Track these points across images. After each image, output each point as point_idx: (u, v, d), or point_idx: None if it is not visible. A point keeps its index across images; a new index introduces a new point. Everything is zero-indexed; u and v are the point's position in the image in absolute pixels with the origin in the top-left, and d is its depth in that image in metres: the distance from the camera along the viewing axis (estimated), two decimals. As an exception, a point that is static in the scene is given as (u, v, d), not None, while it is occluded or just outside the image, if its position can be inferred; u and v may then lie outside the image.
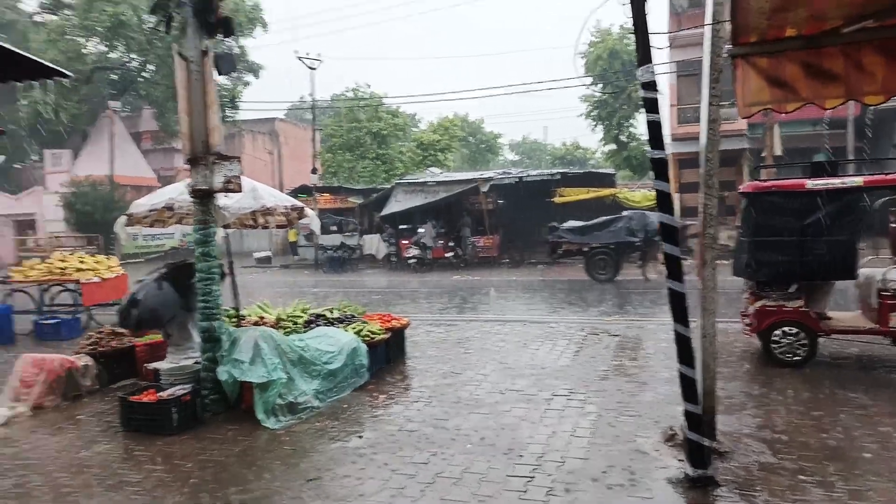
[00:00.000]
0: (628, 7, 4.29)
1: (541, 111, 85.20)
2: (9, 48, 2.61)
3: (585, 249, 16.93)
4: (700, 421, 4.32)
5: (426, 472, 4.62)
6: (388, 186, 26.29)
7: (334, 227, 26.15)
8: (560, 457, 4.79)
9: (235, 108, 32.92)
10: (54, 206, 29.83)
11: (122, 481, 4.67)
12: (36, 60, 2.76)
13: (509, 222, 24.80)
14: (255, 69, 35.51)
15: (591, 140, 50.34)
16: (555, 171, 25.99)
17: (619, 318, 10.91)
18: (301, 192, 26.34)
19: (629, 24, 4.40)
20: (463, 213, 23.94)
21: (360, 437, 5.41)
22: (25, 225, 31.71)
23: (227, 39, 6.32)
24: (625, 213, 17.61)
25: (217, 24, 6.02)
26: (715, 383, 4.67)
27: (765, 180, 8.67)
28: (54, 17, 34.14)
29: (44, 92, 29.01)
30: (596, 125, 29.09)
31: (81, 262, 11.56)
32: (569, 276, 18.13)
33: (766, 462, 4.58)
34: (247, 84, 35.56)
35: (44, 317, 10.98)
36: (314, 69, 28.27)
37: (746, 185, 7.75)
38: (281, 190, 26.58)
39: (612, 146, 28.43)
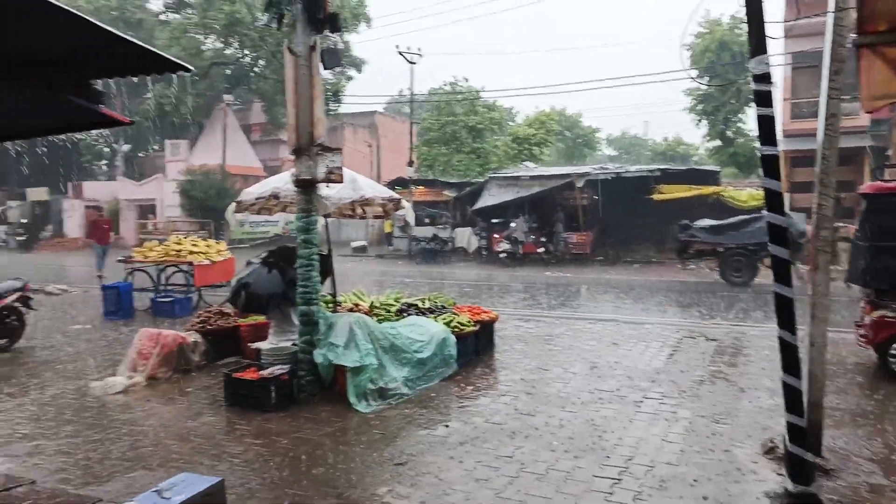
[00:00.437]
0: (741, -5, 4.09)
1: (642, 105, 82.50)
2: (141, 44, 2.82)
3: (720, 250, 15.79)
4: (804, 434, 4.07)
5: (511, 465, 4.63)
6: (482, 180, 26.35)
7: (428, 220, 26.53)
8: (650, 461, 4.67)
9: (338, 101, 34.05)
10: (172, 192, 32.01)
11: (223, 452, 4.98)
12: (163, 56, 2.97)
13: (605, 219, 24.23)
14: (357, 64, 36.58)
15: (695, 136, 48.20)
16: (654, 167, 25.15)
17: (718, 321, 10.44)
18: (397, 184, 26.90)
19: (741, 13, 4.19)
20: (557, 208, 23.62)
21: (447, 426, 5.49)
22: (147, 209, 34.24)
23: (333, 35, 6.54)
24: (764, 212, 16.45)
25: (325, 20, 6.25)
26: (822, 395, 4.40)
27: (888, 181, 8.02)
28: (177, 16, 36.64)
29: (166, 86, 31.20)
30: (700, 120, 27.92)
31: (194, 245, 12.38)
32: (666, 276, 17.54)
33: (876, 483, 4.27)
34: (350, 79, 36.74)
35: (160, 295, 11.85)
36: (414, 63, 28.74)
37: (867, 185, 7.20)
38: (378, 181, 27.27)
39: (718, 142, 27.20)
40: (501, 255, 21.86)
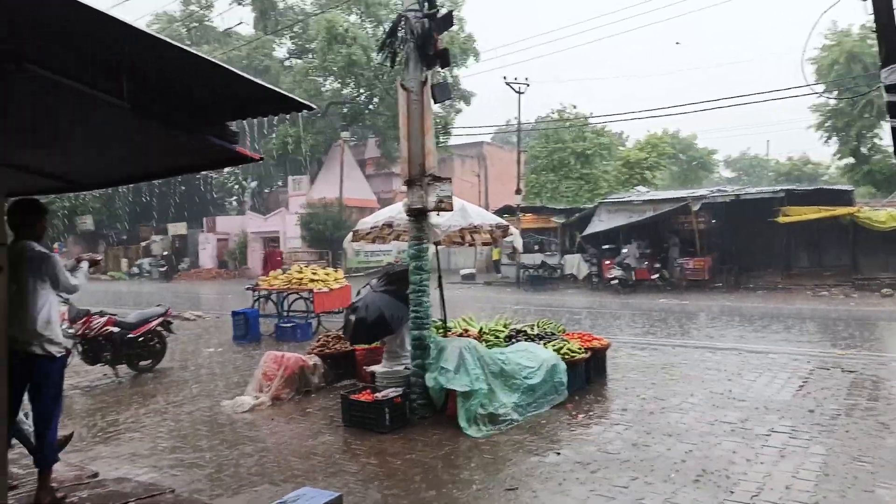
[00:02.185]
0: (870, 3, 3.88)
1: (763, 124, 78.15)
2: (270, 87, 3.11)
3: None
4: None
5: (626, 496, 4.50)
6: (592, 206, 25.95)
7: (536, 247, 26.39)
8: (778, 498, 4.37)
9: (448, 134, 34.94)
10: (294, 224, 33.99)
11: (341, 469, 5.19)
12: (290, 96, 3.25)
13: (723, 244, 23.06)
14: (466, 97, 37.44)
15: (824, 154, 44.93)
16: (778, 188, 23.67)
17: (855, 352, 9.60)
18: (505, 212, 27.04)
19: (871, 22, 3.97)
20: (671, 233, 22.77)
21: (559, 453, 5.42)
22: (271, 241, 36.53)
23: (442, 70, 6.81)
24: None
25: (435, 56, 6.53)
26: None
27: None
28: (299, 61, 39.29)
29: (289, 126, 33.44)
30: (829, 137, 26.06)
31: (314, 273, 13.08)
32: (795, 303, 16.37)
33: None
34: (459, 111, 37.63)
35: (283, 320, 12.58)
36: (521, 93, 29.01)
37: None
38: (486, 209, 27.48)
39: (850, 160, 25.24)
40: (613, 282, 21.30)
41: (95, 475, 4.94)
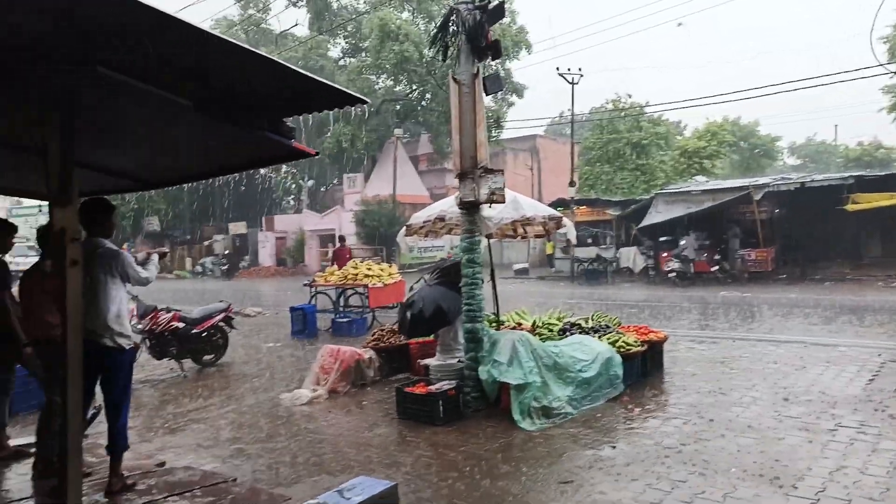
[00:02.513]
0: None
1: (830, 108, 74.66)
2: (325, 81, 3.19)
3: None
4: None
5: (684, 490, 4.41)
6: (648, 197, 25.39)
7: (590, 240, 26.02)
8: (846, 494, 4.20)
9: (500, 127, 34.81)
10: (349, 221, 34.56)
11: (396, 461, 5.26)
12: (344, 91, 3.31)
13: (788, 233, 22.20)
14: (519, 90, 37.21)
15: (897, 138, 42.67)
16: (847, 174, 22.61)
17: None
18: (558, 205, 26.75)
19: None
20: (732, 223, 22.07)
21: (614, 447, 5.35)
22: (327, 238, 37.19)
23: (494, 62, 6.80)
24: None
25: (487, 48, 6.52)
26: None
27: None
28: (353, 60, 39.87)
29: (344, 125, 33.99)
30: (904, 119, 24.69)
31: (369, 269, 13.27)
32: (865, 294, 15.63)
33: None
34: (511, 105, 37.47)
35: (339, 315, 12.82)
36: (575, 83, 28.61)
37: None
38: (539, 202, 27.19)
39: (927, 143, 23.82)
40: (670, 275, 20.79)
41: (163, 464, 5.16)
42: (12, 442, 5.43)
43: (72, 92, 2.99)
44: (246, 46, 2.87)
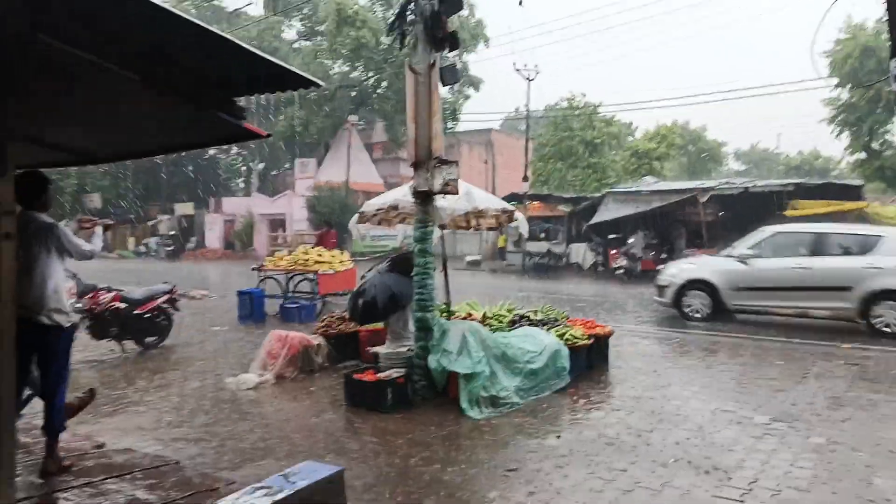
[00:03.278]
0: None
1: (773, 117, 77.42)
2: (278, 62, 3.12)
3: None
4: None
5: (624, 479, 4.54)
6: (599, 195, 25.88)
7: (542, 234, 26.35)
8: (776, 485, 4.39)
9: (456, 120, 34.83)
10: (300, 207, 34.04)
11: (343, 448, 5.25)
12: (297, 72, 3.26)
13: (731, 236, 22.94)
14: (475, 83, 37.27)
15: (835, 148, 44.71)
16: (788, 181, 23.54)
17: (865, 344, 9.55)
18: (512, 199, 26.96)
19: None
20: (678, 224, 22.71)
21: (558, 437, 5.46)
22: (277, 223, 36.58)
23: (451, 54, 6.79)
24: None
25: (444, 38, 6.50)
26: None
27: None
28: (308, 44, 39.15)
29: (297, 109, 33.38)
30: (841, 131, 25.85)
31: (319, 256, 13.11)
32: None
33: None
34: (467, 97, 37.51)
35: (288, 301, 12.63)
36: (531, 80, 28.85)
37: None
38: (493, 197, 27.29)
39: (861, 155, 25.04)
40: (618, 272, 21.27)
41: (101, 446, 5.01)
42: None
43: (10, 62, 2.85)
44: (199, 22, 2.79)
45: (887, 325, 10.17)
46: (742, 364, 8.18)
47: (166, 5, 2.69)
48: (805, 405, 6.32)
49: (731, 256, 11.91)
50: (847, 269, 10.58)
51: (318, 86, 3.49)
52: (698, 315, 11.65)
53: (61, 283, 4.44)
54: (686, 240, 22.36)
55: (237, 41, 2.98)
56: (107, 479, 4.33)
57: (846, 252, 10.82)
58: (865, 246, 10.74)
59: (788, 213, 20.94)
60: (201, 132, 4.19)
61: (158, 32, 2.88)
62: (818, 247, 10.98)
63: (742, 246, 11.96)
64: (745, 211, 22.12)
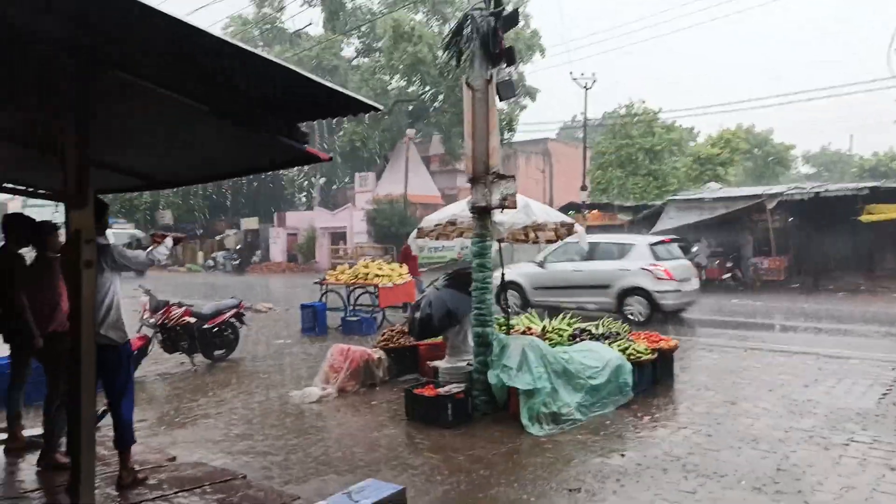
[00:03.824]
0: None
1: (846, 118, 73.97)
2: (339, 90, 3.20)
3: None
4: None
5: (692, 502, 4.40)
6: (661, 203, 25.29)
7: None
8: (856, 511, 4.17)
9: (512, 130, 34.77)
10: (360, 220, 34.62)
11: (403, 463, 5.28)
12: (358, 98, 3.32)
13: (801, 243, 22.02)
14: (531, 93, 37.13)
15: (914, 149, 42.27)
16: (862, 184, 22.39)
17: None
18: (570, 208, 26.71)
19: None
20: (744, 231, 21.93)
21: (623, 455, 5.34)
22: (338, 236, 37.25)
23: (508, 68, 6.80)
24: None
25: (500, 54, 6.52)
26: None
27: None
28: (366, 60, 39.93)
29: (357, 124, 34.07)
30: (921, 130, 24.45)
31: (379, 269, 13.29)
32: (877, 306, 15.48)
33: None
34: (524, 108, 37.40)
35: (349, 314, 12.85)
36: (588, 88, 28.55)
37: None
38: (551, 206, 27.17)
39: (945, 155, 23.58)
40: (682, 281, 20.66)
41: (173, 459, 5.21)
42: (26, 432, 5.49)
43: (89, 94, 3.02)
44: (263, 54, 2.89)
45: (632, 314, 12.66)
46: (812, 380, 7.80)
47: (233, 40, 2.80)
48: (885, 425, 5.97)
49: (533, 262, 14.26)
50: (606, 271, 13.12)
51: (377, 110, 3.56)
52: (515, 310, 12.91)
53: (117, 302, 4.57)
54: (753, 248, 21.54)
55: (300, 70, 3.07)
56: (179, 492, 4.49)
57: (608, 257, 13.40)
58: (622, 252, 13.37)
59: (863, 218, 19.94)
60: (266, 157, 4.32)
61: (225, 65, 3.01)
62: (592, 253, 13.24)
63: (543, 253, 14.01)
64: (816, 217, 21.19)
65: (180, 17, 2.46)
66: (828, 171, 55.98)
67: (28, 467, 5.06)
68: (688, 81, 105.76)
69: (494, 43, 6.42)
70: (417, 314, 7.45)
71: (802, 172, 55.80)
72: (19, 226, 5.19)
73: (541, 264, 14.09)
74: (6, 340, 5.28)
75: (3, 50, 2.68)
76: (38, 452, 5.04)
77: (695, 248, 21.27)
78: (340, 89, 3.29)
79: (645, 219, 25.19)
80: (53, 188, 4.50)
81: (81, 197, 3.05)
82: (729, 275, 20.61)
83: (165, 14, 2.37)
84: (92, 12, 2.47)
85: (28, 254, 5.22)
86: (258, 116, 3.46)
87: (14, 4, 2.32)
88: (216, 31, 2.71)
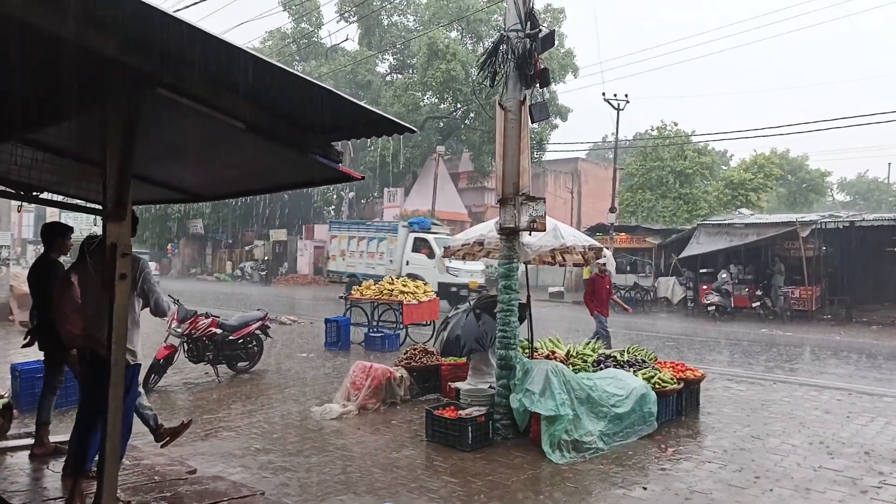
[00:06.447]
0: None
1: (883, 146, 72.44)
2: (375, 111, 3.23)
3: None
4: None
5: (716, 540, 4.28)
6: (690, 227, 24.97)
7: (629, 267, 25.65)
8: (889, 560, 4.02)
9: (542, 149, 34.75)
10: (388, 235, 34.78)
11: (422, 486, 5.23)
12: (394, 120, 3.35)
13: (834, 273, 21.53)
14: (563, 113, 37.13)
15: (956, 179, 41.16)
16: (901, 215, 21.86)
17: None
18: (598, 230, 26.51)
19: None
20: (776, 259, 21.52)
21: (645, 488, 5.23)
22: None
23: (541, 89, 6.80)
24: None
25: (535, 76, 6.53)
26: None
27: None
28: (400, 76, 40.34)
29: (387, 140, 34.33)
30: (964, 161, 23.81)
31: (404, 286, 13.31)
32: (915, 342, 15.02)
33: None
34: (555, 127, 37.37)
35: (373, 330, 12.87)
36: (620, 109, 28.42)
37: None
38: (578, 227, 27.08)
39: None
40: (709, 308, 20.32)
41: (194, 472, 5.23)
42: (53, 438, 5.57)
43: (132, 112, 3.09)
44: (301, 75, 2.93)
45: None
46: (844, 417, 7.58)
47: (273, 60, 2.84)
48: (923, 468, 5.76)
49: None
50: None
51: (411, 132, 3.58)
52: None
53: (132, 322, 4.43)
54: (784, 276, 21.12)
55: (338, 92, 3.11)
56: (198, 506, 4.51)
57: None
58: None
59: (902, 249, 19.45)
60: (300, 174, 4.37)
61: (265, 84, 3.06)
62: None
63: None
64: (851, 246, 20.72)
65: (227, 39, 2.51)
66: (864, 199, 54.84)
67: (52, 474, 5.12)
68: (722, 104, 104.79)
69: (529, 64, 6.43)
70: (445, 333, 7.45)
71: (838, 200, 54.72)
72: (58, 234, 5.32)
73: None
74: (41, 348, 5.39)
75: (58, 68, 2.76)
76: (63, 459, 5.10)
77: (723, 275, 20.94)
78: (376, 110, 3.33)
79: (674, 242, 24.90)
80: (88, 199, 4.58)
81: (121, 210, 3.10)
82: (758, 303, 20.21)
83: (218, 38, 2.43)
84: (148, 34, 2.53)
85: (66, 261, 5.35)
86: (295, 136, 3.51)
87: (73, 26, 2.39)
88: (254, 45, 2.75)
